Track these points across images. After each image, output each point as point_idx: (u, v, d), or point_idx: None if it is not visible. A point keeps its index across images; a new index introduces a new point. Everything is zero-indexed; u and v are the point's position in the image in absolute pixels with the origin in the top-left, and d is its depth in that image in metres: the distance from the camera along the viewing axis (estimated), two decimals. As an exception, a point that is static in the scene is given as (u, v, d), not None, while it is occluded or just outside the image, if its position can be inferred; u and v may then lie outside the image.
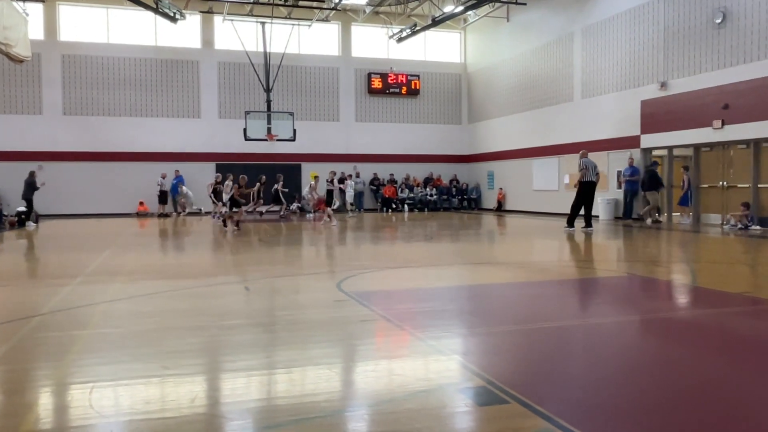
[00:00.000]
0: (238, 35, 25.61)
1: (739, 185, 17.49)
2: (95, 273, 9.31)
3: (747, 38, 16.62)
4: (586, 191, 16.05)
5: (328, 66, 29.25)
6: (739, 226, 16.27)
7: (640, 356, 4.74)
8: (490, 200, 29.35)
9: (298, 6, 25.48)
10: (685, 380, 4.07)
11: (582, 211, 16.26)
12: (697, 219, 18.74)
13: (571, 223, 16.29)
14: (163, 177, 25.27)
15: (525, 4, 25.00)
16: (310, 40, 28.72)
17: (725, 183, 17.98)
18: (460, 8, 24.45)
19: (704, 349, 4.98)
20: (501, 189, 28.18)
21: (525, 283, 8.27)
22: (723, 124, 17.19)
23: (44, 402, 3.80)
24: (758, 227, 16.23)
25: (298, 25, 27.17)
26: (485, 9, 26.26)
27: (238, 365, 4.49)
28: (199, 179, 27.31)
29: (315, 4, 25.31)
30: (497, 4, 25.76)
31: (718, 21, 17.29)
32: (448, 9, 25.37)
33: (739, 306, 6.61)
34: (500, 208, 28.04)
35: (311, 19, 27.28)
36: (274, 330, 5.66)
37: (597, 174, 16.31)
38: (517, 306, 6.87)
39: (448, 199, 30.00)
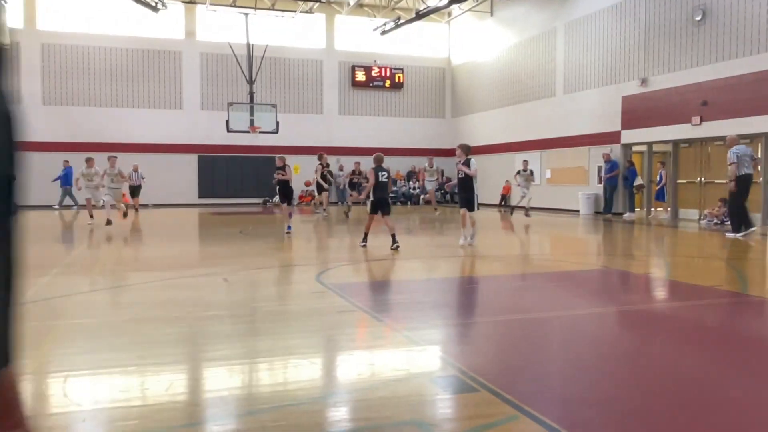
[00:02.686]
0: (221, 26, 25.44)
1: (716, 181, 17.75)
2: (73, 264, 9.27)
3: (726, 36, 16.84)
4: (744, 186, 12.74)
5: (311, 58, 29.17)
6: (716, 221, 16.53)
7: (611, 347, 4.85)
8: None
9: (281, -3, 25.37)
10: (655, 370, 4.18)
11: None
12: (675, 214, 19.00)
13: (746, 225, 12.83)
14: (135, 170, 22.25)
15: (509, -2, 25.10)
16: (293, 31, 28.59)
17: (703, 179, 18.25)
18: (445, 2, 24.49)
19: (675, 340, 5.10)
20: (507, 182, 25.70)
21: (501, 276, 8.37)
22: (701, 120, 17.42)
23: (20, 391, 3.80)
24: (734, 223, 16.48)
25: (282, 16, 27.04)
26: (469, 3, 26.36)
27: (216, 355, 4.53)
28: (181, 170, 27.20)
29: (299, -5, 25.21)
30: (481, -1, 25.84)
31: (698, 18, 17.50)
32: (433, 2, 25.42)
33: (711, 299, 6.75)
34: (505, 204, 25.61)
35: (295, 11, 27.17)
36: (253, 321, 5.70)
37: (753, 160, 13.09)
38: (493, 298, 6.96)
39: (431, 192, 30.05)
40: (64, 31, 25.81)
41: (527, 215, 19.62)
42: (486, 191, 28.00)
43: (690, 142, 18.36)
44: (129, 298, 6.66)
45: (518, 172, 19.97)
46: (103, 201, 17.29)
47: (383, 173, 10.98)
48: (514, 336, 5.12)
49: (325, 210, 20.85)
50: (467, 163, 11.45)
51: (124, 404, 3.50)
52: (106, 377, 3.99)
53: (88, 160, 17.09)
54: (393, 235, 10.56)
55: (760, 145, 16.53)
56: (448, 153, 31.21)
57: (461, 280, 8.25)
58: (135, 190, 22.35)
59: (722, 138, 17.33)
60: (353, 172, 21.87)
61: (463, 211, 11.43)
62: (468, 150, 11.73)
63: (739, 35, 16.45)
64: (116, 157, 17.32)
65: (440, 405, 3.55)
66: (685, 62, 18.07)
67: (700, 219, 17.82)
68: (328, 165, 20.92)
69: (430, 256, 10.69)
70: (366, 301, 6.50)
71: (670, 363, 4.36)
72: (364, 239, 10.97)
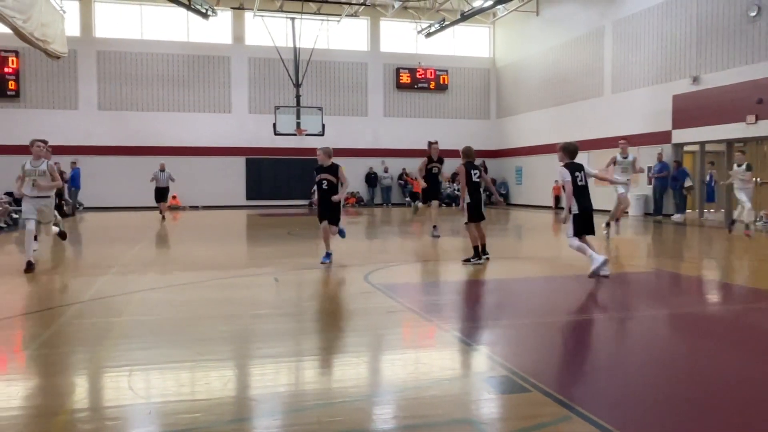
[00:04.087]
0: (269, 31, 25.87)
1: (772, 181, 17.19)
2: (130, 263, 9.59)
3: (783, 32, 16.28)
4: None
5: (356, 61, 29.38)
6: (772, 223, 15.99)
7: (662, 349, 4.77)
8: (518, 196, 29.19)
9: (327, 2, 25.63)
10: (707, 372, 4.11)
11: None
12: (728, 215, 18.45)
13: None
14: (162, 169, 19.86)
15: (555, -3, 24.79)
16: (339, 35, 28.84)
17: (759, 179, 17.67)
18: (490, 2, 24.35)
19: (729, 343, 4.99)
20: (556, 182, 23.63)
21: (551, 277, 8.30)
22: (757, 119, 16.87)
23: (85, 383, 3.99)
24: (792, 224, 15.93)
25: (327, 20, 27.31)
26: (515, 3, 26.11)
27: (269, 352, 4.65)
28: (229, 173, 27.75)
29: (344, -1, 25.45)
30: (527, -2, 25.59)
31: (753, 14, 16.97)
32: (477, 3, 25.28)
33: (765, 302, 6.56)
34: (558, 205, 24.24)
35: (340, 15, 27.40)
36: (303, 319, 5.81)
37: None
38: (540, 299, 6.92)
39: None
40: (119, 38, 26.65)
41: (609, 230, 13.42)
42: (534, 192, 27.77)
43: (745, 141, 17.80)
44: (184, 296, 6.86)
45: (614, 161, 13.57)
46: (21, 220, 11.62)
47: (475, 172, 9.15)
48: (562, 338, 5.09)
49: (435, 229, 13.22)
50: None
51: (187, 398, 3.64)
52: (168, 372, 4.14)
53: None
54: (484, 245, 9.21)
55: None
56: (493, 154, 31.01)
57: (509, 281, 8.21)
58: (163, 193, 20.04)
59: (779, 137, 16.78)
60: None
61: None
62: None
63: (797, 31, 15.89)
64: (44, 145, 9.17)
65: (492, 405, 3.57)
66: (740, 59, 17.53)
67: (755, 220, 17.26)
68: (437, 160, 13.53)
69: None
70: (414, 302, 6.55)
71: (723, 365, 4.28)
72: (479, 253, 9.09)
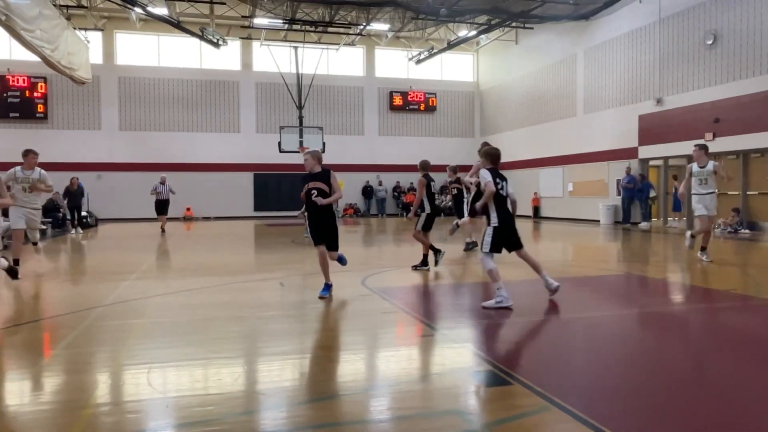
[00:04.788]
0: (274, 58, 25.95)
1: (729, 192, 17.27)
2: (149, 270, 9.56)
3: (736, 58, 16.45)
4: None
5: (353, 85, 29.48)
6: (729, 230, 16.08)
7: (634, 345, 4.79)
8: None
9: (327, 32, 25.74)
10: (675, 366, 4.13)
11: None
12: (691, 223, 18.52)
13: None
14: (162, 182, 18.67)
15: (532, 28, 24.97)
16: (337, 62, 28.98)
17: (717, 191, 17.74)
18: (473, 32, 24.56)
19: (691, 338, 5.01)
20: (535, 193, 26.08)
21: (531, 280, 8.31)
22: (714, 136, 17.01)
23: (109, 380, 3.98)
24: (747, 231, 16.03)
25: (327, 48, 27.43)
26: (496, 33, 26.32)
27: (276, 350, 4.64)
28: (239, 187, 27.74)
29: (342, 30, 25.55)
30: (507, 29, 25.79)
31: (710, 42, 17.14)
32: (462, 33, 25.50)
33: (726, 302, 6.60)
34: (537, 215, 25.82)
35: (339, 44, 27.54)
36: (306, 320, 5.81)
37: None
38: (524, 300, 6.92)
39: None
40: (138, 65, 26.67)
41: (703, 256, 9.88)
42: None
43: (704, 156, 17.91)
44: (198, 300, 6.84)
45: (690, 173, 10.01)
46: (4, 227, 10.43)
47: (434, 182, 8.88)
48: (542, 335, 5.11)
49: (471, 242, 11.73)
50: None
51: (202, 392, 3.64)
52: (184, 369, 4.13)
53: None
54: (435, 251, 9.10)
55: (771, 158, 16.04)
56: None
57: (490, 284, 8.21)
58: (163, 206, 18.72)
59: (734, 152, 16.92)
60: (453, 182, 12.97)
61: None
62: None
63: (749, 57, 16.05)
64: (33, 154, 8.79)
65: (477, 396, 3.58)
66: (698, 83, 17.69)
67: (714, 227, 17.34)
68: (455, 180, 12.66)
69: (464, 262, 10.67)
70: (407, 303, 6.55)
71: (687, 359, 4.30)
72: (427, 260, 8.92)
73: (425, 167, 9.36)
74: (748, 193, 16.82)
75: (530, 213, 25.87)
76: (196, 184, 26.46)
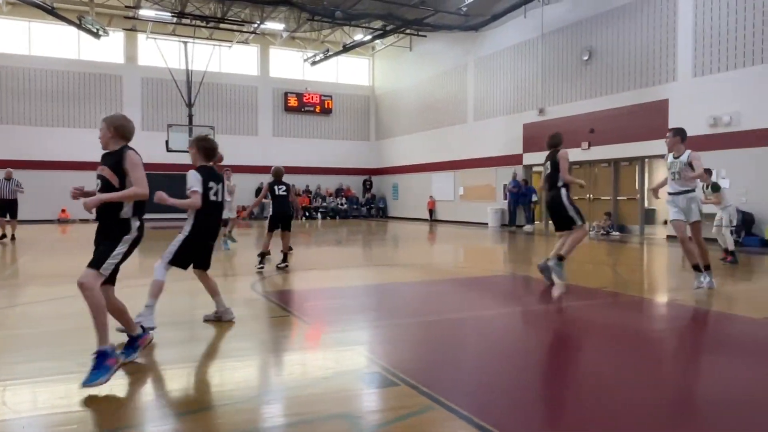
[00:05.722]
0: (161, 53, 24.71)
1: (602, 198, 18.71)
2: (13, 276, 8.71)
3: (609, 74, 17.84)
4: None
5: (247, 84, 28.77)
6: (602, 232, 17.39)
7: (516, 343, 5.00)
8: (395, 209, 29.79)
9: (219, 28, 24.93)
10: (555, 361, 4.34)
11: None
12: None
13: None
14: (7, 177, 15.13)
15: (425, 36, 25.66)
16: (230, 59, 28.16)
17: (591, 196, 19.18)
18: (368, 37, 24.82)
19: (571, 334, 5.32)
20: (431, 197, 26.36)
21: (419, 282, 8.48)
22: (590, 145, 18.34)
23: (-45, 401, 3.54)
24: (617, 233, 17.43)
25: (220, 45, 26.57)
26: (391, 39, 26.78)
27: (158, 360, 4.36)
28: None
29: (235, 27, 24.86)
30: (401, 35, 26.34)
31: (586, 58, 18.46)
32: (358, 37, 25.68)
33: (600, 299, 7.08)
34: (432, 218, 26.27)
35: (232, 41, 26.76)
36: (191, 327, 5.53)
37: None
38: (412, 302, 7.04)
39: (358, 208, 30.30)
40: (5, 53, 24.34)
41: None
42: (409, 207, 28.41)
43: (580, 164, 19.27)
44: (71, 308, 6.31)
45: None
46: None
47: (281, 187, 9.42)
48: (431, 335, 5.20)
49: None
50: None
51: (64, 410, 3.32)
52: (46, 385, 3.77)
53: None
54: (285, 254, 9.57)
55: (637, 167, 17.55)
56: (373, 172, 31.46)
57: (386, 286, 8.29)
58: (9, 206, 14.75)
59: (607, 161, 18.33)
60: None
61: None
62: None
63: (620, 73, 17.47)
64: None
65: (365, 399, 3.56)
66: (576, 95, 18.99)
67: (588, 230, 18.68)
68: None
69: (357, 265, 10.70)
70: (296, 307, 6.44)
71: (568, 353, 4.55)
72: (262, 261, 9.22)
73: (277, 174, 9.61)
74: (618, 198, 18.29)
75: (426, 216, 26.56)
76: (74, 183, 24.52)
